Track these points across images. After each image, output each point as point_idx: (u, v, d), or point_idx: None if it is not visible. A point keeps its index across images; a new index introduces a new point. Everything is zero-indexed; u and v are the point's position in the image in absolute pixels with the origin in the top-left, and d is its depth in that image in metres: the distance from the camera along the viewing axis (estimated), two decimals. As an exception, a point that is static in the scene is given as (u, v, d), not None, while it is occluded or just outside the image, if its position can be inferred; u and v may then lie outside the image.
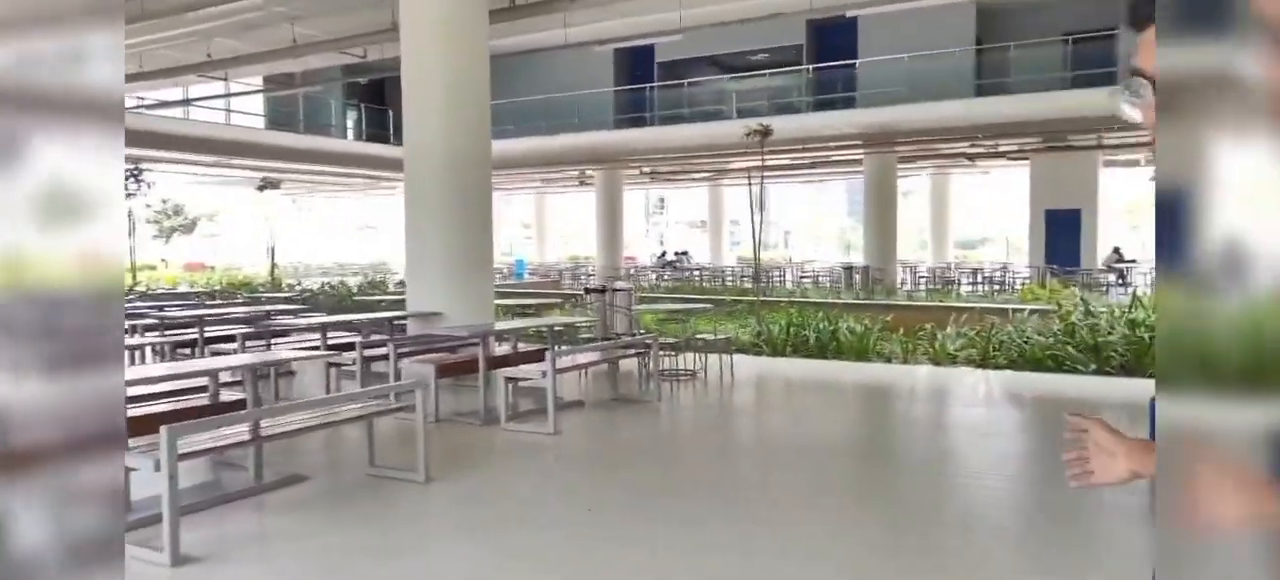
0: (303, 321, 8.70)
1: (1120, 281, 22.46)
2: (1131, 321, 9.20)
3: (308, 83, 23.77)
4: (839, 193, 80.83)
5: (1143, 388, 8.25)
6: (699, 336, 9.10)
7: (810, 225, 62.96)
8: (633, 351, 7.75)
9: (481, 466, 5.49)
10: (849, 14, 22.21)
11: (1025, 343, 9.51)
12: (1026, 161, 25.34)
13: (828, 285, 23.58)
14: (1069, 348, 9.19)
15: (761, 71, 24.04)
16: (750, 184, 11.37)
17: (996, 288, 22.08)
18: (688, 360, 8.90)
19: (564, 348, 8.01)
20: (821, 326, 10.83)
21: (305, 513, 4.46)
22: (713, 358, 9.01)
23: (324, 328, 8.11)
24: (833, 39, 23.39)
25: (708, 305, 10.56)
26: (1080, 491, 1.63)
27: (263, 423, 4.51)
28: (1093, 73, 19.67)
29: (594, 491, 4.89)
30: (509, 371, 6.78)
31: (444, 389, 6.99)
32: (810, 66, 22.82)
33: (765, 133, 11.27)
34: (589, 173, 29.67)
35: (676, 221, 76.19)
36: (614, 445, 6.31)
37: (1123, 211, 37.73)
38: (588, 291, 11.96)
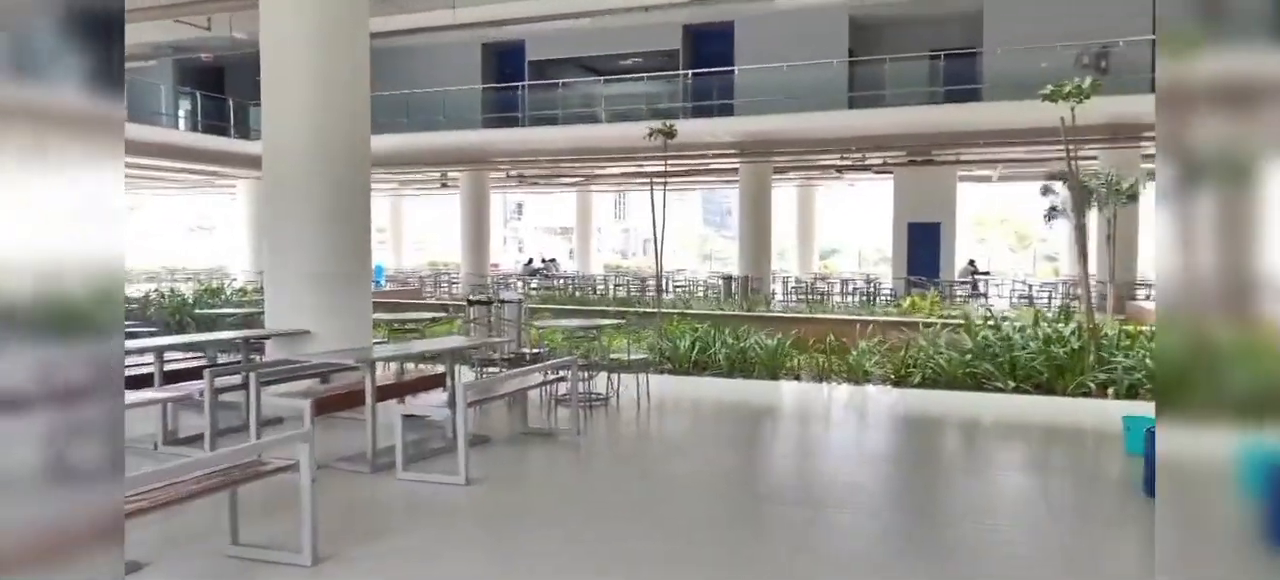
0: (130, 343, 7.08)
1: (975, 292, 23.29)
2: (1047, 338, 9.01)
3: (130, 60, 21.04)
4: (695, 202, 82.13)
5: (1066, 407, 7.99)
6: (612, 356, 8.15)
7: (671, 234, 63.26)
8: (556, 377, 6.70)
9: (386, 536, 4.30)
10: (726, 18, 22.02)
11: (942, 360, 9.15)
12: (891, 175, 25.95)
13: (702, 295, 23.12)
14: (986, 365, 8.89)
15: (638, 76, 23.39)
16: (652, 189, 10.56)
17: (865, 299, 22.30)
18: (598, 383, 7.94)
19: (468, 375, 6.89)
20: (730, 342, 10.14)
21: (144, 628, 3.19)
22: (621, 379, 8.10)
23: (160, 351, 6.59)
24: (709, 46, 23.08)
25: (620, 320, 9.61)
26: None
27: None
28: (957, 89, 20.26)
29: (546, 573, 3.85)
30: (402, 406, 5.61)
31: (318, 426, 5.71)
32: (688, 72, 22.36)
33: (669, 133, 10.50)
34: (452, 174, 28.09)
35: (535, 228, 74.94)
36: (546, 500, 5.21)
37: (972, 224, 39.84)
38: (471, 303, 10.76)
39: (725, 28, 22.67)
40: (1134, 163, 20.24)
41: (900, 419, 7.79)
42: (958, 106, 20.06)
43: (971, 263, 27.31)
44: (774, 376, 9.57)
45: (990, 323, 9.99)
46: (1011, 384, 8.62)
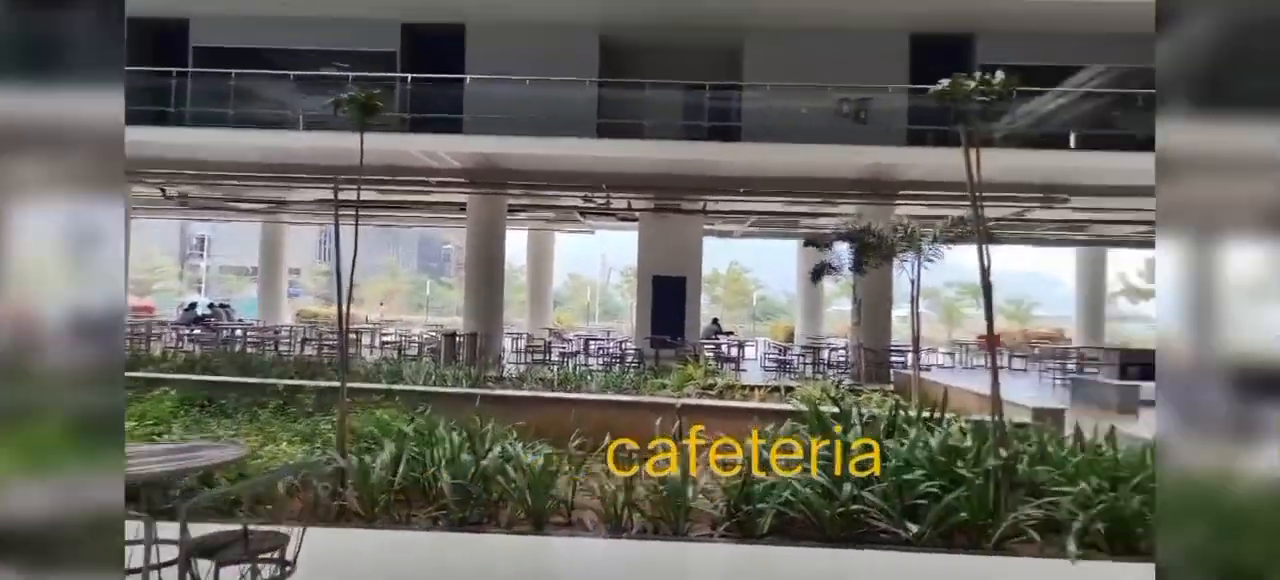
0: None
1: (722, 355, 21.03)
2: (945, 448, 5.99)
3: None
4: (412, 243, 76.18)
5: None
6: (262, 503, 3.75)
7: (380, 279, 56.86)
8: None
9: None
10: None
11: (798, 483, 5.81)
12: (635, 221, 23.34)
13: (417, 355, 18.57)
14: (867, 494, 5.69)
15: (345, 73, 18.62)
16: (337, 220, 6.37)
17: (612, 363, 19.11)
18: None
19: None
20: (463, 457, 6.08)
21: None
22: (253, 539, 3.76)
23: None
24: (434, 52, 18.97)
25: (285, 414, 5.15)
26: None
27: None
28: (717, 126, 18.03)
29: None
30: None
31: None
32: (407, 77, 18.05)
33: (370, 107, 6.28)
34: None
35: (221, 267, 64.64)
36: None
37: (705, 282, 38.73)
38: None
39: (454, 32, 18.77)
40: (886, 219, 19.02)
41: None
42: (718, 145, 17.75)
43: (715, 322, 25.41)
44: (539, 524, 5.66)
45: (834, 411, 6.90)
46: (911, 529, 5.49)
